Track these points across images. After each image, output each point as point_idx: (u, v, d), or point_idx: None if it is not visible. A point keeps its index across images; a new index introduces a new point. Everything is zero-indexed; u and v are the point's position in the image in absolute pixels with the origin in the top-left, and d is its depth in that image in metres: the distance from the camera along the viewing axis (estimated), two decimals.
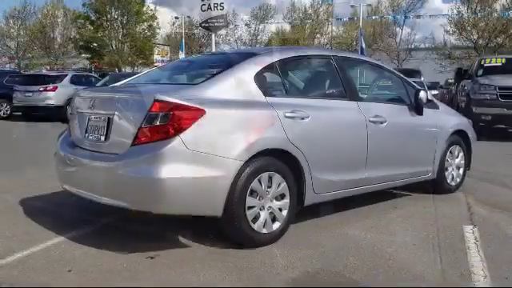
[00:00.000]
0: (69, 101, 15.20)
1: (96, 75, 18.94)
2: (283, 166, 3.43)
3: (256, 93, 3.45)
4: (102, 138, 3.39)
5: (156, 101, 3.06)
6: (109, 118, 3.34)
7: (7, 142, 10.03)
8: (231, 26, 38.66)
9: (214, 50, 21.32)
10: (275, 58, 3.67)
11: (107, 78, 17.17)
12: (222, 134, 3.16)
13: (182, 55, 32.81)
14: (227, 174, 3.13)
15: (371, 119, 4.03)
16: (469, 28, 32.68)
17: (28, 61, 41.48)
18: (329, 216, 4.12)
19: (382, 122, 4.11)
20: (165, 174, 2.96)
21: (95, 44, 37.90)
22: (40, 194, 4.96)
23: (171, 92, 3.18)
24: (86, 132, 3.58)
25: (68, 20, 41.19)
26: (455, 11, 32.92)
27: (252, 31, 41.94)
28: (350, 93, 4.04)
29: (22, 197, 4.79)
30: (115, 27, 36.89)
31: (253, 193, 3.28)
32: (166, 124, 3.03)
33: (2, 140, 10.28)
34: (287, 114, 3.45)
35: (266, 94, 3.49)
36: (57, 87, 15.40)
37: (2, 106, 16.36)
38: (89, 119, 3.58)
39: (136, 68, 37.65)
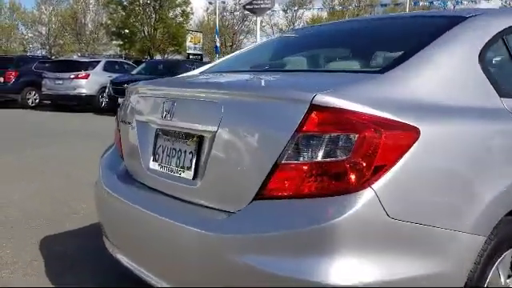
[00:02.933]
0: (102, 90, 13.86)
1: (130, 62, 17.49)
2: None
3: (486, 90, 1.75)
4: (187, 175, 1.77)
5: (315, 106, 1.41)
6: (202, 139, 1.72)
7: (25, 137, 8.63)
8: (269, 12, 36.76)
9: (258, 36, 19.61)
10: (503, 23, 1.95)
11: (143, 65, 15.73)
12: (448, 180, 1.50)
13: (217, 42, 31.27)
14: (458, 268, 1.47)
15: None
16: None
17: (59, 47, 40.80)
18: None
19: None
20: (339, 280, 1.32)
21: (127, 30, 36.72)
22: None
23: (344, 89, 1.50)
24: (154, 158, 1.96)
25: (100, 5, 40.14)
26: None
27: (289, 17, 39.92)
28: None
29: None
30: (148, 12, 35.55)
31: None
32: (341, 159, 1.38)
33: (22, 135, 8.89)
34: None
35: (500, 91, 1.78)
36: (89, 74, 14.02)
37: (30, 94, 15.12)
38: (158, 135, 1.96)
39: (167, 55, 36.32)
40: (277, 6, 39.69)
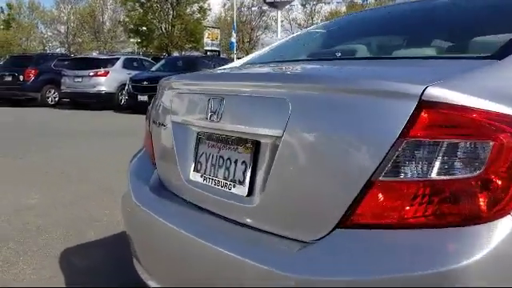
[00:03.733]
0: (121, 87, 13.63)
1: (149, 59, 17.26)
2: None
3: None
4: (239, 190, 1.40)
5: (427, 103, 1.02)
6: (259, 145, 1.35)
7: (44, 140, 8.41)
8: (287, 7, 36.27)
9: (279, 31, 19.33)
10: None
11: (162, 61, 15.46)
12: None
13: (233, 38, 30.93)
14: None
15: None
16: None
17: (78, 45, 41.03)
18: None
19: None
20: None
21: (144, 28, 36.64)
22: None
23: (461, 80, 1.11)
24: (196, 167, 1.60)
25: (117, 3, 40.16)
26: None
27: (308, 12, 39.33)
28: None
29: None
30: (165, 9, 35.38)
31: None
32: (468, 176, 1.00)
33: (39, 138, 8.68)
34: None
35: None
36: (108, 72, 13.82)
37: (49, 92, 15.00)
38: (200, 140, 1.59)
39: (184, 52, 36.14)
40: (296, 1, 39.18)
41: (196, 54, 33.08)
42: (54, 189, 4.54)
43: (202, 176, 1.56)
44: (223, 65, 15.03)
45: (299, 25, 38.72)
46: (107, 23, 42.01)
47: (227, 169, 1.46)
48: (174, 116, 1.71)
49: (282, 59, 1.96)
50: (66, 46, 41.64)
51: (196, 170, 1.60)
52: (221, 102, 1.46)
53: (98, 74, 13.72)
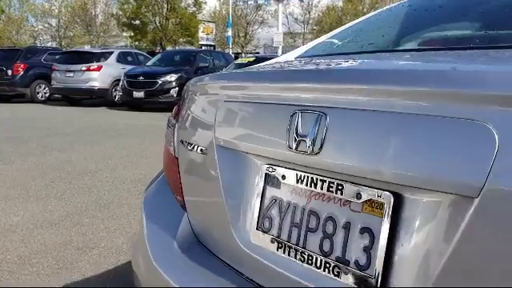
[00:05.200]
0: (115, 82, 12.91)
1: (144, 53, 16.50)
2: None
3: None
4: (357, 282, 0.77)
5: None
6: (400, 202, 0.73)
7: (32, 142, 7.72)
8: (284, 2, 35.53)
9: (280, 24, 18.57)
10: None
11: (159, 56, 14.75)
12: None
13: (229, 32, 30.19)
14: None
15: None
16: None
17: (69, 39, 40.11)
18: None
19: None
20: None
21: (138, 21, 35.74)
22: None
23: None
24: (261, 224, 0.97)
25: None
26: None
27: (305, 6, 38.63)
28: None
29: None
30: (159, 2, 34.49)
31: None
32: None
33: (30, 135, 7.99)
34: None
35: None
36: (101, 66, 13.09)
37: (40, 87, 14.24)
38: (270, 180, 0.97)
39: (178, 47, 35.37)
40: None
41: (189, 48, 32.34)
42: (42, 202, 3.90)
43: (273, 241, 0.94)
44: (223, 59, 14.19)
45: (296, 19, 38.02)
46: (99, 16, 41.04)
47: (328, 237, 0.84)
48: (221, 137, 1.09)
49: (385, 48, 1.33)
50: (58, 39, 40.63)
51: (261, 228, 0.98)
52: (319, 120, 0.83)
53: (91, 68, 12.99)
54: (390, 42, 1.40)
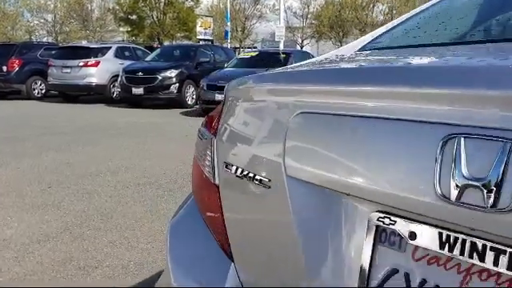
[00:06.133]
0: (114, 78, 12.52)
1: (143, 48, 16.07)
2: None
3: None
4: None
5: None
6: None
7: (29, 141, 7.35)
8: None
9: (281, 18, 18.13)
10: None
11: (158, 50, 14.35)
12: None
13: (228, 27, 29.77)
14: None
15: None
16: None
17: (65, 35, 39.58)
18: None
19: None
20: None
21: (135, 16, 35.25)
22: None
23: None
24: None
25: None
26: None
27: (304, 0, 38.12)
28: None
29: None
30: None
31: None
32: None
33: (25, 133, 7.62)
34: None
35: None
36: (99, 62, 12.69)
37: (36, 84, 13.84)
38: (384, 237, 0.64)
39: (175, 42, 34.90)
40: None
41: (189, 42, 31.93)
42: (38, 211, 3.56)
43: None
44: (223, 54, 13.85)
45: (294, 13, 37.50)
46: (96, 11, 40.47)
47: None
48: (295, 165, 0.74)
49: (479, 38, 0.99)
50: (54, 35, 40.06)
51: None
52: (506, 151, 0.49)
53: (88, 64, 12.59)
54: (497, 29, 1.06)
